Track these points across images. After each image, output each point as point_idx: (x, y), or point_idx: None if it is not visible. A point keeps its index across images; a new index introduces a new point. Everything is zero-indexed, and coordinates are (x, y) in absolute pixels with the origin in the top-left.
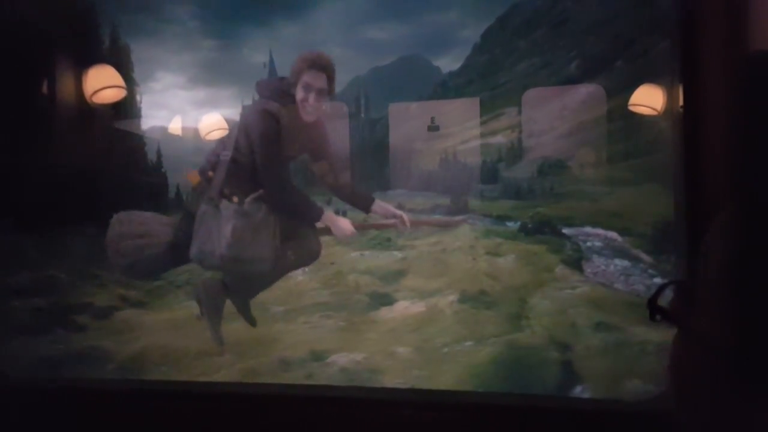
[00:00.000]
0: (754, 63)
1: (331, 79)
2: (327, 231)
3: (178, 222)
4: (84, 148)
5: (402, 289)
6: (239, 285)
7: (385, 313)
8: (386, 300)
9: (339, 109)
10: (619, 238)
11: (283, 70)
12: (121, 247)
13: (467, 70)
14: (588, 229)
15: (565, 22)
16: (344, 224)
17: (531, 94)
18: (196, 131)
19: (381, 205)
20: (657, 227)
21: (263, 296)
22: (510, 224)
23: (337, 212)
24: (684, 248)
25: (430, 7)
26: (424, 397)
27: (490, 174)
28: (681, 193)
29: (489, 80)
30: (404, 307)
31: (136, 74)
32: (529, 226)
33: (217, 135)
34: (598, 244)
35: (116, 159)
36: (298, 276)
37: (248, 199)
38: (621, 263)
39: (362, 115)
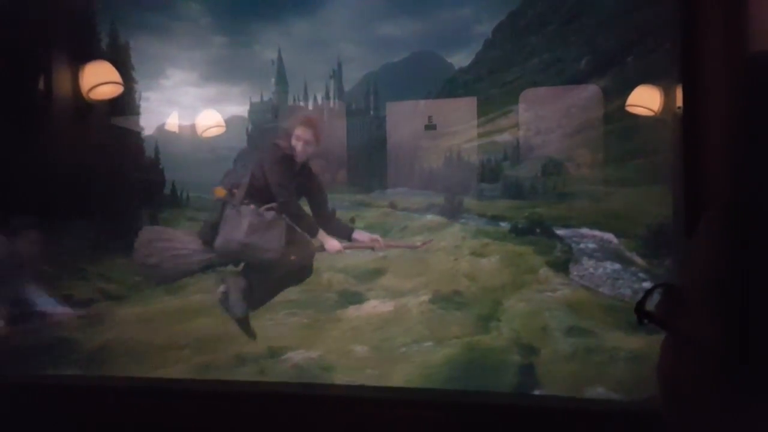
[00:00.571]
0: (754, 64)
1: (316, 135)
2: (320, 248)
3: (201, 228)
4: (77, 144)
5: (376, 288)
6: (256, 284)
7: (352, 311)
8: (356, 299)
9: (339, 108)
10: (615, 240)
11: (292, 67)
12: (149, 249)
13: (477, 67)
14: (584, 231)
15: (578, 17)
16: (333, 243)
17: (529, 94)
18: (203, 128)
19: (360, 234)
20: (652, 230)
21: None
22: (503, 224)
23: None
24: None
25: (444, 2)
26: (423, 396)
27: (491, 173)
28: (680, 195)
29: (498, 77)
30: (372, 306)
31: (147, 71)
32: (520, 226)
33: (214, 132)
34: (591, 246)
35: (111, 155)
36: None
37: (262, 208)
38: (612, 266)
39: (371, 112)
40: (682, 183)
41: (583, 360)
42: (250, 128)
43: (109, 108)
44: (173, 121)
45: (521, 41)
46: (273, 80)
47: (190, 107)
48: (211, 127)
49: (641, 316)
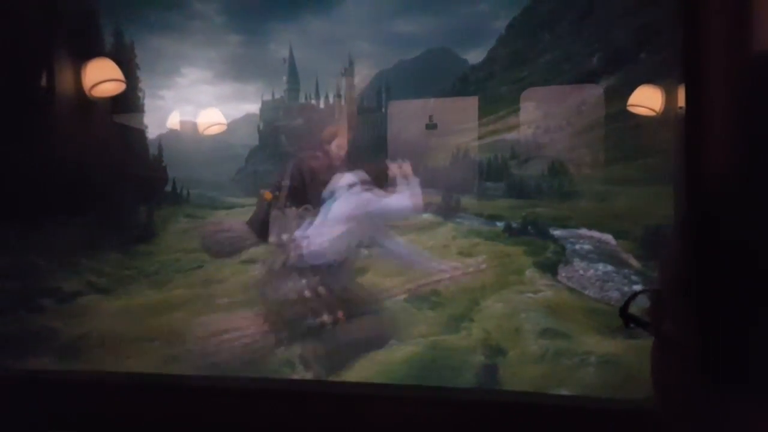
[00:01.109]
0: (757, 64)
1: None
2: None
3: (251, 219)
4: (78, 140)
5: None
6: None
7: None
8: None
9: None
10: (613, 242)
11: (307, 65)
12: (214, 239)
13: (490, 63)
14: (582, 231)
15: (591, 12)
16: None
17: (532, 93)
18: (206, 126)
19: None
20: (649, 231)
21: (213, 288)
22: (499, 224)
23: None
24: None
25: None
26: (423, 393)
27: (496, 172)
28: (682, 195)
29: (510, 74)
30: None
31: (163, 69)
32: (514, 226)
33: (215, 130)
34: (587, 247)
35: (112, 152)
36: (254, 270)
37: (300, 209)
38: (604, 268)
39: (382, 110)
40: (683, 183)
41: (550, 362)
42: (261, 126)
43: (112, 105)
44: (182, 119)
45: (534, 38)
46: (284, 78)
47: (205, 105)
48: (213, 125)
49: (626, 320)
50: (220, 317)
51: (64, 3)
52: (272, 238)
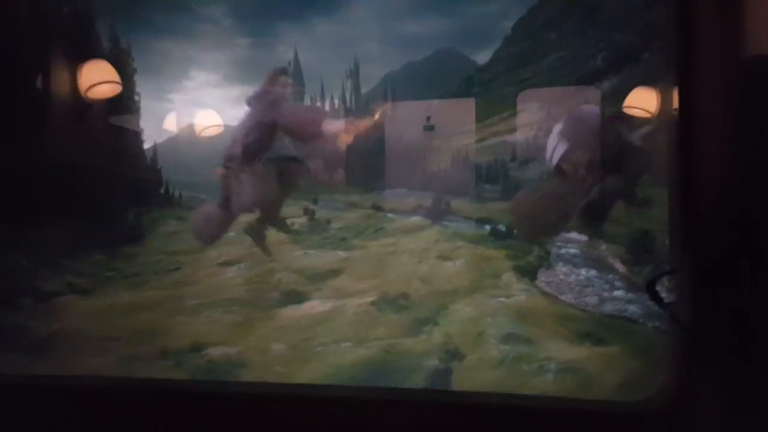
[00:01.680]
0: (750, 68)
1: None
2: None
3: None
4: (70, 143)
5: (324, 289)
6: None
7: (289, 311)
8: (298, 299)
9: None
10: (603, 246)
11: (316, 67)
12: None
13: (495, 65)
14: (573, 235)
15: (597, 12)
16: None
17: (528, 95)
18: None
19: None
20: (635, 236)
21: (185, 290)
22: (488, 227)
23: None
24: (678, 251)
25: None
26: (421, 397)
27: (494, 174)
28: (676, 197)
29: (515, 75)
30: (310, 307)
31: (172, 73)
32: (500, 229)
33: (213, 132)
34: (573, 251)
35: (106, 154)
36: (230, 272)
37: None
38: (587, 273)
39: (395, 112)
40: (678, 186)
41: (508, 368)
42: None
43: (107, 107)
44: (180, 121)
45: (540, 37)
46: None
47: (213, 108)
48: (210, 127)
49: (650, 295)
50: None
51: (61, 5)
52: (234, 207)
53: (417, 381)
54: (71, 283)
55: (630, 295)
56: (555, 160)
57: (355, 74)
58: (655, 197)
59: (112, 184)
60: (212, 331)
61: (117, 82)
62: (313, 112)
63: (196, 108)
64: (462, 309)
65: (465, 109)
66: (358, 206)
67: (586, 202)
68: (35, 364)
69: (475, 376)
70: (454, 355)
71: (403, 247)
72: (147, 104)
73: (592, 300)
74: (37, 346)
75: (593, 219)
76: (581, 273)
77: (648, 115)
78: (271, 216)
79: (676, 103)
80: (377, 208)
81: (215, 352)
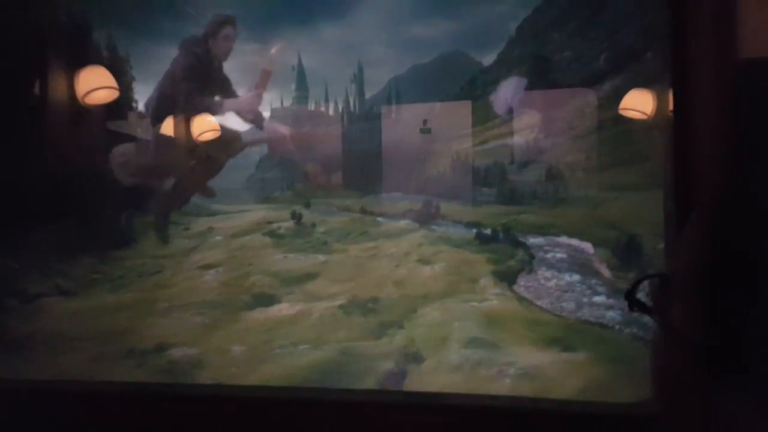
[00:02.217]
0: (743, 70)
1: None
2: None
3: None
4: (66, 147)
5: (297, 292)
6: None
7: (256, 314)
8: (268, 302)
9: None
10: (591, 250)
11: (323, 72)
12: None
13: (498, 66)
14: (562, 239)
15: (601, 11)
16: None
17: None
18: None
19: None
20: (622, 240)
21: (161, 292)
22: (486, 231)
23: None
24: (672, 255)
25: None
26: (418, 400)
27: (491, 177)
28: (671, 200)
29: (518, 76)
30: (278, 310)
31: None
32: (486, 233)
33: (209, 136)
34: (560, 255)
35: (101, 159)
36: (208, 275)
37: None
38: (570, 278)
39: (393, 115)
40: (672, 188)
41: (465, 372)
42: None
43: (105, 113)
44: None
45: (544, 38)
46: (293, 86)
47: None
48: (206, 132)
49: (631, 304)
50: None
51: (57, 12)
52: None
53: (368, 383)
54: (58, 285)
55: (610, 301)
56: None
57: (359, 78)
58: (645, 200)
59: (105, 188)
60: (178, 332)
61: (114, 88)
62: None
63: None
64: (431, 313)
65: (461, 112)
66: (350, 210)
67: None
68: (8, 363)
69: (430, 380)
70: (412, 358)
71: (383, 251)
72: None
73: (570, 305)
74: (13, 345)
75: None
76: (563, 278)
77: (644, 117)
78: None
79: (671, 105)
80: (365, 211)
81: (177, 352)
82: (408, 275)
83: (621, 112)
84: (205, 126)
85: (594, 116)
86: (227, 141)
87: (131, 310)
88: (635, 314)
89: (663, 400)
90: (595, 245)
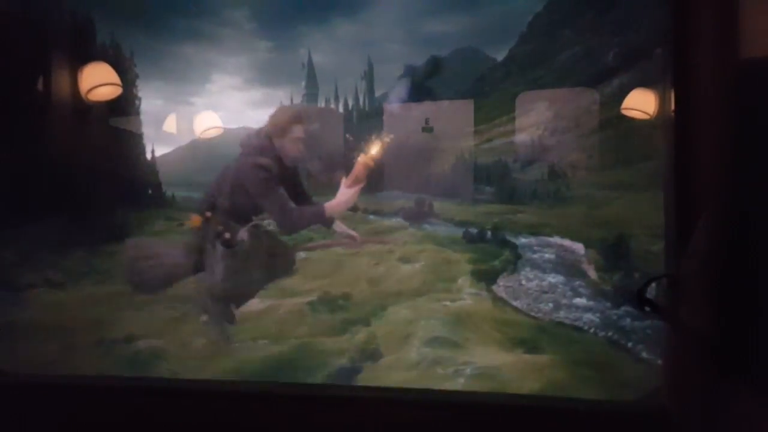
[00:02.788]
0: (744, 71)
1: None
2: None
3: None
4: (68, 143)
5: (272, 288)
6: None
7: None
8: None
9: (333, 113)
10: (582, 251)
11: (331, 69)
12: (136, 268)
13: (508, 63)
14: (554, 239)
15: (612, 6)
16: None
17: (528, 97)
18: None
19: (340, 226)
20: (608, 242)
21: None
22: (473, 231)
23: None
24: (672, 252)
25: None
26: (417, 396)
27: (493, 176)
28: (671, 200)
29: (528, 74)
30: (248, 305)
31: (194, 77)
32: (473, 233)
33: (212, 133)
34: (548, 256)
35: (103, 155)
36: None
37: (239, 235)
38: (553, 279)
39: (409, 112)
40: (672, 188)
41: (421, 371)
42: None
43: (108, 109)
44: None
45: (556, 33)
46: (303, 83)
47: (234, 111)
48: (209, 129)
49: (642, 304)
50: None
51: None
52: (207, 284)
53: (318, 378)
54: (47, 277)
55: (591, 303)
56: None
57: (369, 75)
58: (646, 200)
59: (105, 184)
60: (148, 324)
61: (117, 84)
62: (308, 215)
63: (218, 111)
64: (400, 311)
65: (464, 110)
66: (354, 208)
67: None
68: None
69: (383, 377)
70: (370, 355)
71: (366, 248)
72: (168, 108)
73: (547, 306)
74: None
75: None
76: (546, 279)
77: (647, 117)
78: (243, 299)
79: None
80: (356, 209)
81: (143, 344)
82: (386, 273)
83: (623, 111)
84: (207, 123)
85: (600, 114)
86: None
87: (111, 302)
88: (648, 314)
89: (672, 397)
90: (588, 246)
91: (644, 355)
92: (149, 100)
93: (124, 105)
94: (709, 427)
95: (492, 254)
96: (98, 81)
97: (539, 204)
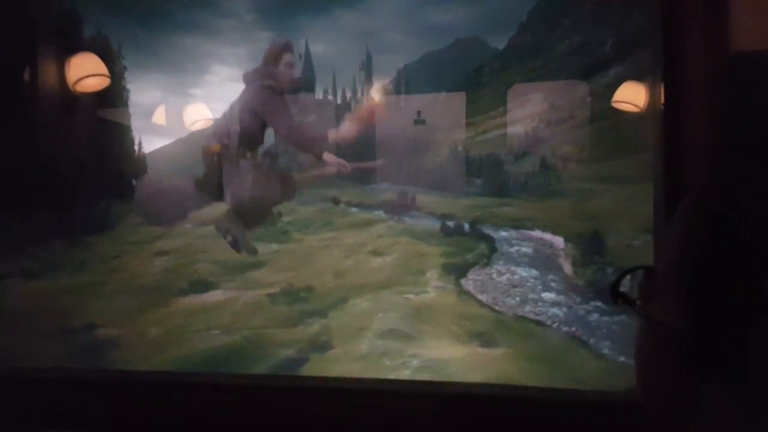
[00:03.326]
0: (734, 64)
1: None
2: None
3: (201, 180)
4: (53, 135)
5: (236, 280)
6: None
7: (188, 300)
8: (204, 288)
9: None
10: (562, 245)
11: (331, 59)
12: (149, 204)
13: (507, 53)
14: (535, 233)
15: None
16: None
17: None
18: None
19: (329, 155)
20: (585, 237)
21: (112, 276)
22: (450, 224)
23: None
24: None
25: None
26: (411, 387)
27: (482, 169)
28: (661, 194)
29: (526, 64)
30: (209, 296)
31: (194, 69)
32: (450, 226)
33: (201, 125)
34: (525, 250)
35: (89, 147)
36: (158, 261)
37: (259, 158)
38: (526, 273)
39: (401, 104)
40: (662, 181)
41: (368, 362)
42: None
43: (97, 100)
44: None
45: (555, 23)
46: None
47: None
48: (198, 121)
49: (615, 297)
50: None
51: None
52: (228, 198)
53: (261, 369)
54: (24, 267)
55: (560, 298)
56: None
57: (367, 66)
58: (635, 193)
59: (91, 176)
60: (110, 314)
61: (105, 75)
62: (312, 134)
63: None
64: (360, 303)
65: (456, 103)
66: (336, 200)
67: None
68: None
69: (328, 368)
70: (320, 347)
71: (340, 241)
72: (167, 99)
73: (513, 301)
74: None
75: None
76: (518, 273)
77: (637, 110)
78: (258, 219)
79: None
80: (337, 201)
81: (101, 332)
82: (354, 266)
83: (614, 104)
84: (196, 115)
85: (595, 105)
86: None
87: (80, 292)
88: (619, 306)
89: (644, 391)
90: (568, 240)
91: (605, 351)
92: (149, 92)
93: (113, 97)
94: (681, 421)
95: (467, 247)
96: (86, 72)
97: (528, 197)
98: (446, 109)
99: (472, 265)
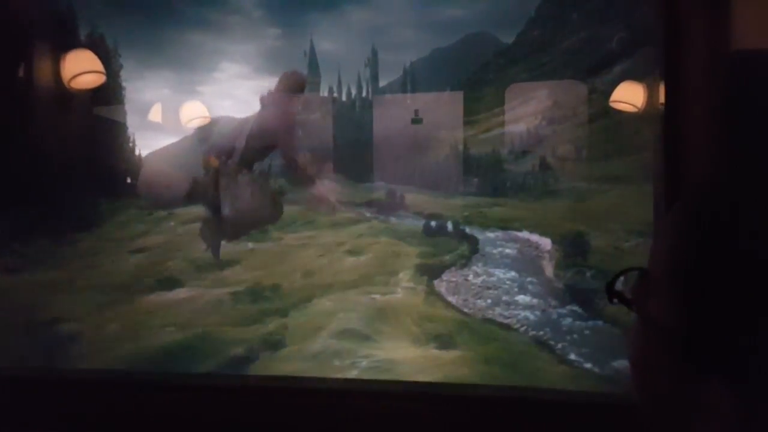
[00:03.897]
0: (735, 62)
1: None
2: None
3: (193, 187)
4: (47, 132)
5: (206, 278)
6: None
7: (153, 297)
8: (171, 286)
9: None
10: (548, 247)
11: (336, 57)
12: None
13: (514, 49)
14: (522, 234)
15: None
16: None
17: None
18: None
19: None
20: (567, 238)
21: (86, 272)
22: (432, 224)
23: None
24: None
25: None
26: (411, 389)
27: (480, 168)
28: (661, 193)
29: (532, 60)
30: (175, 294)
31: (203, 66)
32: (432, 226)
33: (197, 123)
34: (508, 251)
35: (82, 144)
36: (132, 259)
37: (256, 173)
38: (504, 275)
39: (408, 102)
40: (662, 181)
41: (317, 361)
42: None
43: (92, 98)
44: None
45: (563, 18)
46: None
47: (242, 100)
48: (195, 119)
49: (611, 296)
50: None
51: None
52: (226, 212)
53: (208, 367)
54: (5, 263)
55: (534, 301)
56: None
57: (372, 63)
58: (634, 194)
59: (84, 173)
60: (76, 309)
61: (101, 72)
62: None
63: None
64: (323, 303)
65: (453, 103)
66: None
67: None
68: None
69: (277, 366)
70: (273, 345)
71: (317, 240)
72: (176, 97)
73: (484, 303)
74: None
75: None
76: (495, 274)
77: (635, 109)
78: (244, 231)
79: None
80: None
81: (64, 327)
82: (326, 265)
83: (612, 104)
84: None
85: (599, 103)
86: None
87: (53, 288)
88: (615, 305)
89: (641, 391)
90: (555, 241)
91: (572, 357)
92: (156, 90)
93: (109, 94)
94: (677, 419)
95: (447, 248)
96: (81, 69)
97: (523, 197)
98: (445, 108)
99: (449, 266)
